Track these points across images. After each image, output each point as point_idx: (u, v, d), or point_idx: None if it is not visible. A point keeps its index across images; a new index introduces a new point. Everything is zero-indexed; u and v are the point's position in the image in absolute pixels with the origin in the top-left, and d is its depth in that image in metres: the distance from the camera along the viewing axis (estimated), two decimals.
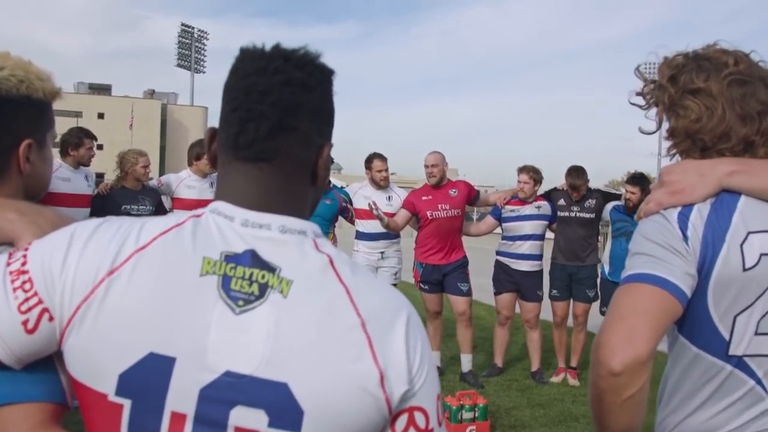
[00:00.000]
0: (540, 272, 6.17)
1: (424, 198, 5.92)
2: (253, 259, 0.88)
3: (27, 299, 0.87)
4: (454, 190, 5.97)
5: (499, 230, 6.31)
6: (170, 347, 0.83)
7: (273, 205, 0.91)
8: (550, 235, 6.37)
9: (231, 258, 0.87)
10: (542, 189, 6.34)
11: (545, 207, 6.14)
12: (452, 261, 5.93)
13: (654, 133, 1.39)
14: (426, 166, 5.95)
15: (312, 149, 0.94)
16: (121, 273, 0.85)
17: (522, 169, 6.06)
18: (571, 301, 6.22)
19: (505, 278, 6.17)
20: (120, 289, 0.85)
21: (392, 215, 5.97)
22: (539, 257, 6.14)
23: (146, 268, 0.86)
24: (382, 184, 6.24)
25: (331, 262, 0.90)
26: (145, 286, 0.85)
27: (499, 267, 6.24)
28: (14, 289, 0.88)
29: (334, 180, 7.67)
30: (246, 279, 0.86)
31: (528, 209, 6.09)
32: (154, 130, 54.63)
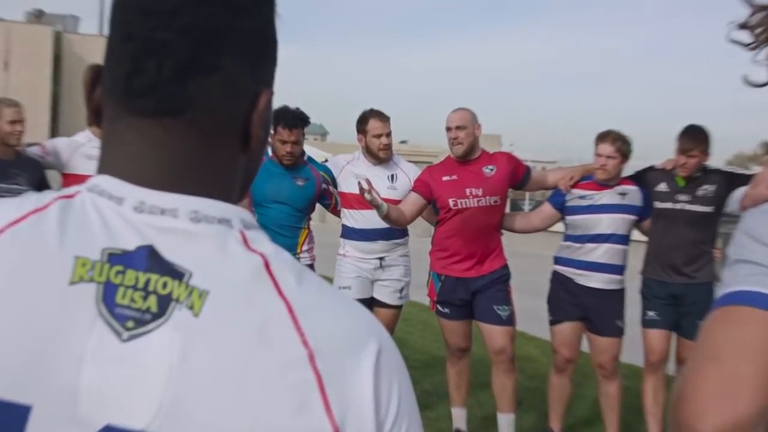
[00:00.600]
0: (621, 292, 4.76)
1: (445, 178, 4.64)
2: (150, 259, 0.69)
3: None
4: (491, 167, 4.68)
5: (560, 226, 4.91)
6: (23, 391, 0.66)
7: (182, 182, 0.72)
8: (639, 237, 4.88)
9: (117, 258, 0.68)
10: (633, 168, 4.88)
11: (634, 194, 4.67)
12: (486, 272, 4.68)
13: (765, 85, 1.10)
14: (448, 129, 4.64)
15: (243, 98, 0.75)
16: None
17: (604, 137, 4.62)
18: (674, 336, 4.78)
19: (567, 300, 4.81)
20: None
21: (396, 203, 4.70)
22: (621, 269, 4.69)
23: None
24: (381, 155, 4.92)
25: (267, 266, 0.71)
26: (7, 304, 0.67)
27: (559, 282, 4.87)
28: None
29: (311, 150, 6.02)
30: (140, 289, 0.68)
31: (607, 196, 4.64)
32: (41, 71, 37.29)
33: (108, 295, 0.67)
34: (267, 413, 0.65)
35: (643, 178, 4.75)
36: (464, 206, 4.56)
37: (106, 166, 0.73)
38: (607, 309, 4.70)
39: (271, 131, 4.50)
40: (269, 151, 4.56)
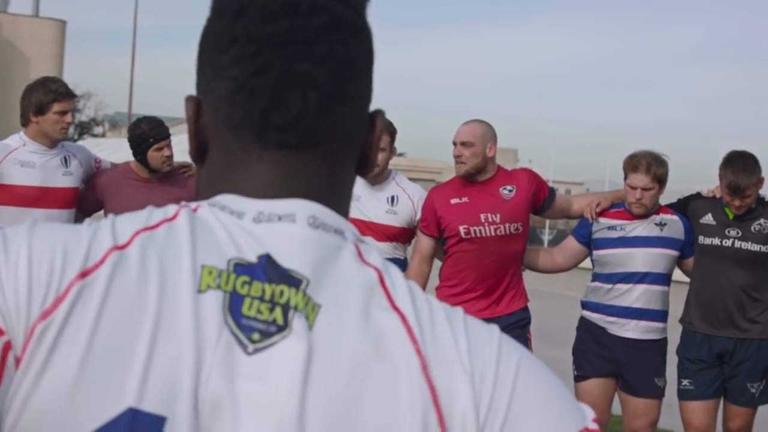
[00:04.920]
0: (662, 343, 4.18)
1: (454, 201, 4.05)
2: (269, 268, 0.70)
3: None
4: (509, 187, 4.08)
5: (587, 263, 4.32)
6: (157, 401, 0.66)
7: (302, 197, 0.73)
8: (682, 277, 4.31)
9: (243, 269, 0.70)
10: (671, 192, 4.39)
11: (675, 226, 4.10)
12: (503, 314, 4.07)
13: None
14: (454, 144, 4.04)
15: (365, 123, 0.78)
16: (96, 276, 0.67)
17: (636, 165, 3.98)
18: (722, 401, 4.23)
19: (596, 352, 4.24)
20: (95, 300, 0.67)
21: (398, 229, 4.20)
22: (661, 315, 4.11)
23: (127, 276, 0.68)
24: (369, 179, 4.28)
25: (381, 279, 0.73)
26: (125, 303, 0.68)
27: (587, 331, 4.31)
28: None
29: None
30: (266, 301, 0.69)
31: (642, 227, 4.07)
32: None
33: (234, 305, 0.68)
34: (385, 426, 0.68)
35: (686, 207, 4.17)
36: (478, 234, 3.98)
37: (222, 191, 0.73)
38: (644, 364, 4.10)
39: None
40: None
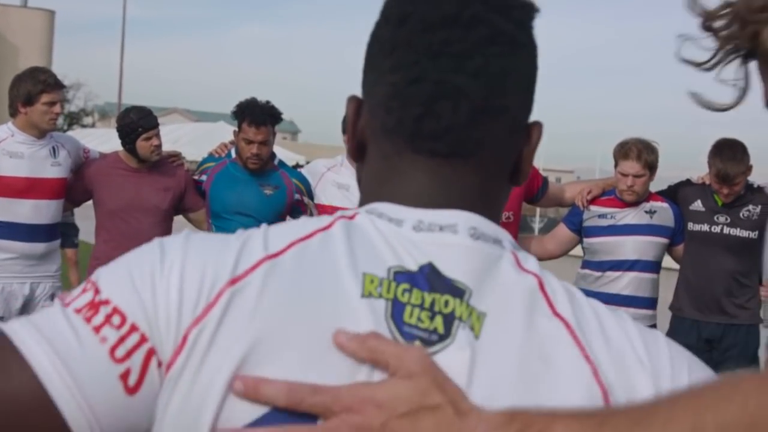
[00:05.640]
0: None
1: None
2: (432, 277, 0.70)
3: (122, 339, 0.67)
4: None
5: (578, 250, 4.30)
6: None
7: (458, 206, 0.74)
8: (672, 264, 4.29)
9: (403, 276, 0.70)
10: (660, 179, 4.27)
11: (664, 213, 4.07)
12: None
13: (732, 108, 0.90)
14: None
15: (520, 135, 0.78)
16: (248, 282, 0.68)
17: (627, 152, 3.95)
18: None
19: None
20: (247, 305, 0.68)
21: None
22: (651, 302, 4.10)
23: (281, 282, 0.69)
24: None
25: (541, 286, 0.74)
26: (281, 306, 0.68)
27: None
28: (95, 329, 0.67)
29: (281, 152, 5.29)
30: (426, 309, 0.69)
31: (632, 215, 4.05)
32: None
33: (396, 312, 0.68)
34: None
35: (676, 194, 4.14)
36: None
37: (380, 197, 0.75)
38: None
39: (235, 129, 3.84)
40: (232, 152, 3.87)
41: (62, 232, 4.07)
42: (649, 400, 0.70)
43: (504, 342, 0.69)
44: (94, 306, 0.68)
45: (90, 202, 3.90)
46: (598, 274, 4.02)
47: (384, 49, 0.74)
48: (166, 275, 0.69)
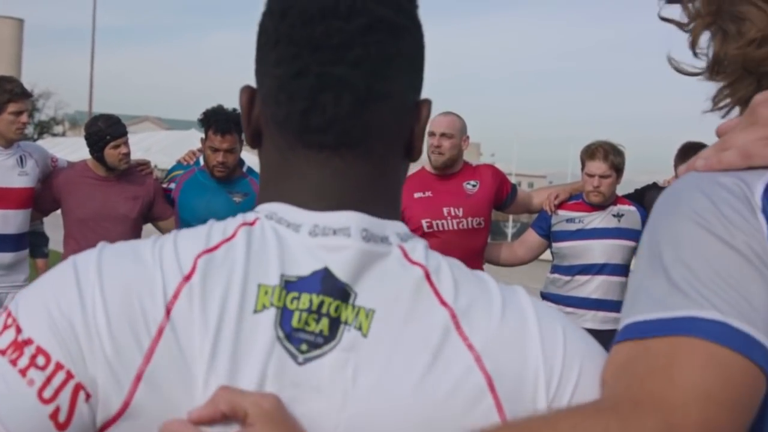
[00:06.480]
0: None
1: (417, 195, 4.00)
2: (325, 281, 0.72)
3: (48, 379, 0.68)
4: (473, 182, 4.06)
5: (547, 255, 4.30)
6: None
7: (358, 204, 0.75)
8: None
9: (293, 285, 0.71)
10: (627, 182, 4.36)
11: (631, 216, 4.07)
12: None
13: (699, 74, 0.95)
14: (431, 134, 3.96)
15: (408, 116, 0.78)
16: (177, 314, 0.70)
17: (593, 153, 3.98)
18: None
19: None
20: (180, 342, 0.69)
21: None
22: (620, 306, 3.76)
23: (195, 310, 0.70)
24: None
25: (428, 276, 0.74)
26: (190, 334, 0.69)
27: None
28: (21, 372, 0.68)
29: (251, 159, 5.18)
30: (313, 311, 0.71)
31: (600, 219, 4.05)
32: None
33: (285, 319, 0.70)
34: (441, 419, 0.69)
35: (642, 198, 4.12)
36: (441, 228, 3.92)
37: (279, 194, 0.76)
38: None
39: (202, 136, 3.80)
40: (201, 160, 3.84)
41: (32, 242, 4.02)
42: None
43: (391, 337, 0.70)
44: (18, 347, 0.68)
45: (60, 211, 3.86)
46: (567, 278, 4.02)
47: (269, 41, 0.74)
48: (89, 309, 0.69)
